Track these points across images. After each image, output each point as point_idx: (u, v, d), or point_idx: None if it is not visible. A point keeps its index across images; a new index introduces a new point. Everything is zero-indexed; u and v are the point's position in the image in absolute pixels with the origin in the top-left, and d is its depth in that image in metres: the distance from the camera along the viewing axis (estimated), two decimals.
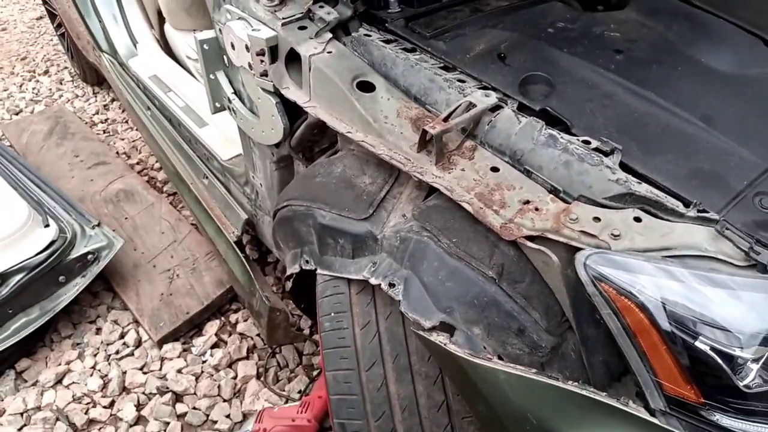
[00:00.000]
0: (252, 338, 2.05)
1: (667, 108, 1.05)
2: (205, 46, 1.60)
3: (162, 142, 2.44)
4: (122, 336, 2.08)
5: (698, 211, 0.91)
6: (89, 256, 2.06)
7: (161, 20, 2.83)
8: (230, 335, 2.07)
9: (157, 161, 2.91)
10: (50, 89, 3.69)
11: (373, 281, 1.07)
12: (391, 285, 1.04)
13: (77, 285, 2.03)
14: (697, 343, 0.82)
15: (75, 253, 2.03)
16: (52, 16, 3.66)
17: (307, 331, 2.06)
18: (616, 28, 1.24)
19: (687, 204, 0.92)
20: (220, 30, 1.52)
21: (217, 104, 1.70)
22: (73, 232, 2.07)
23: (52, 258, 1.95)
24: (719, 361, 0.82)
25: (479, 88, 1.15)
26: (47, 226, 2.04)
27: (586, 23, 1.27)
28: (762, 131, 1.02)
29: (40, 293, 1.96)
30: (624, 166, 0.98)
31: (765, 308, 0.82)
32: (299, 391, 1.88)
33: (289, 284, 1.38)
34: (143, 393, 1.90)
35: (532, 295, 0.97)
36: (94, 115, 3.42)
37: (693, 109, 1.05)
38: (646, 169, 0.97)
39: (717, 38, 1.19)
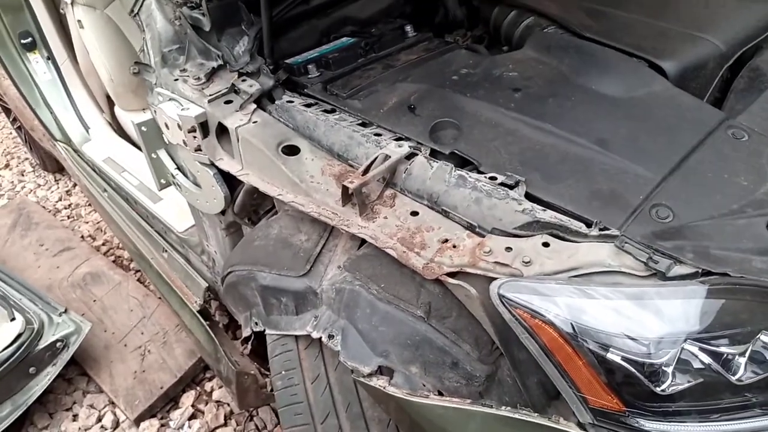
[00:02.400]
0: (228, 404, 2.07)
1: (564, 137, 1.13)
2: (143, 128, 1.66)
3: (121, 222, 2.48)
4: (99, 419, 2.08)
5: (600, 229, 0.97)
6: (58, 344, 2.07)
7: (111, 103, 2.91)
8: (206, 404, 2.08)
9: (119, 241, 2.94)
10: (12, 182, 3.73)
11: (314, 335, 1.12)
12: (330, 336, 1.08)
13: (48, 374, 2.04)
14: (609, 355, 0.88)
15: (43, 343, 2.04)
16: (7, 111, 3.72)
17: None
18: (514, 68, 1.33)
19: (589, 224, 0.98)
20: (155, 111, 1.59)
21: (162, 181, 1.76)
22: (41, 322, 2.09)
23: (20, 351, 1.96)
24: (632, 369, 0.87)
25: (395, 140, 1.22)
26: (13, 319, 2.05)
27: (487, 67, 1.36)
28: (653, 147, 1.10)
29: (11, 388, 1.97)
30: (529, 196, 1.05)
31: (668, 313, 0.88)
32: None
33: (248, 347, 1.42)
34: None
35: (461, 328, 1.02)
36: (57, 202, 3.46)
37: (588, 134, 1.13)
38: (550, 196, 1.04)
39: (605, 66, 1.28)
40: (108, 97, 2.88)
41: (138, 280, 2.62)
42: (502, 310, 0.93)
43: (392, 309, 1.04)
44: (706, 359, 0.87)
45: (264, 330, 1.27)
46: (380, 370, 1.03)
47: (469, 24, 1.72)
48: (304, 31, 1.64)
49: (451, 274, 1.00)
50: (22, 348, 1.96)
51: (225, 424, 2.01)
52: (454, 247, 1.03)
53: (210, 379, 2.17)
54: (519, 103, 1.23)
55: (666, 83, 1.23)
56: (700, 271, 0.89)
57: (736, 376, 0.87)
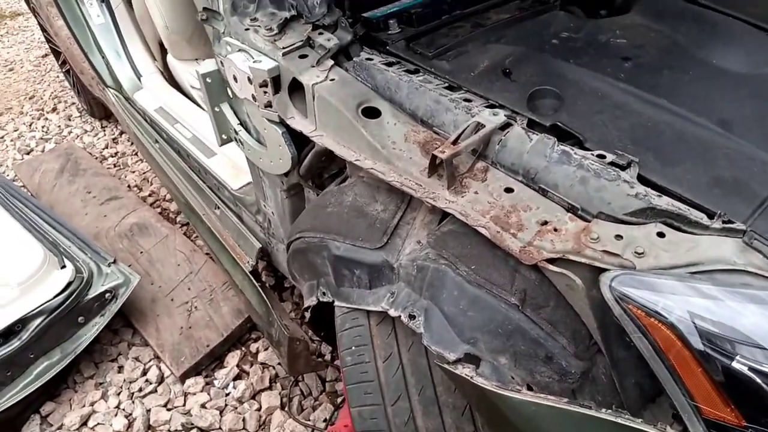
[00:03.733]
0: (274, 367, 2.04)
1: (681, 115, 1.02)
2: (208, 80, 1.59)
3: (172, 174, 2.44)
4: (144, 373, 2.07)
5: (723, 222, 0.87)
6: (107, 295, 2.05)
7: (164, 52, 2.85)
8: (252, 365, 2.06)
9: (168, 193, 2.91)
10: (59, 126, 3.73)
11: (392, 313, 1.05)
12: (412, 317, 1.01)
13: (96, 325, 2.03)
14: (734, 364, 0.79)
15: (92, 293, 2.03)
16: (56, 53, 3.70)
17: (328, 357, 2.03)
18: (622, 34, 1.21)
19: (711, 215, 0.89)
20: (221, 62, 1.51)
21: (224, 136, 1.69)
22: (90, 272, 2.07)
23: (70, 300, 1.94)
24: (759, 381, 0.78)
25: (486, 107, 1.13)
26: (63, 267, 2.04)
27: (590, 31, 1.24)
28: None
29: (61, 336, 1.96)
30: (642, 179, 0.95)
31: None
32: (324, 420, 1.86)
33: (307, 315, 1.36)
34: (168, 430, 1.88)
35: (557, 320, 0.94)
36: (103, 149, 3.44)
37: (709, 114, 1.01)
38: (666, 181, 0.94)
39: (727, 38, 1.16)
40: (161, 45, 2.81)
41: (185, 234, 2.60)
42: (613, 305, 0.84)
43: (483, 293, 0.96)
44: None
45: (332, 301, 1.20)
46: (466, 358, 0.96)
47: None
48: None
49: (552, 261, 0.91)
50: (72, 297, 1.95)
51: (270, 388, 1.98)
52: (556, 230, 0.94)
53: (256, 341, 2.14)
54: (629, 73, 1.11)
55: None
56: None
57: None
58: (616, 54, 1.16)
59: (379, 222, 1.15)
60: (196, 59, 2.70)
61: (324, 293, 1.22)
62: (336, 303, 1.19)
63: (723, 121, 1.00)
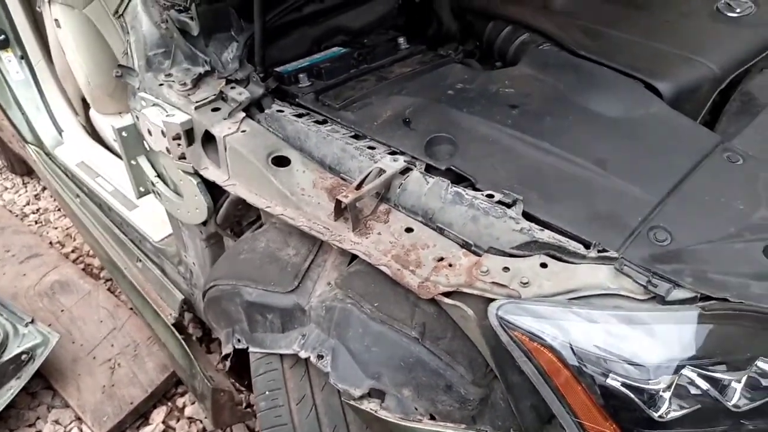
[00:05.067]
0: (201, 421, 2.00)
1: (562, 156, 1.12)
2: (124, 134, 1.61)
3: (93, 229, 2.40)
4: None
5: (598, 251, 0.95)
6: (23, 356, 1.98)
7: (86, 106, 2.83)
8: (178, 421, 2.01)
9: (90, 249, 2.85)
10: None
11: (302, 354, 1.08)
12: (320, 357, 1.05)
13: (12, 388, 1.94)
14: (609, 380, 0.86)
15: (7, 355, 1.95)
16: None
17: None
18: (511, 84, 1.32)
19: (588, 246, 0.97)
20: (137, 117, 1.54)
21: (141, 188, 1.70)
22: (5, 333, 2.00)
23: None
24: (631, 395, 0.85)
25: (389, 154, 1.20)
26: None
27: (482, 82, 1.35)
28: (650, 169, 1.09)
29: None
30: (527, 215, 1.03)
31: (668, 338, 0.87)
32: None
33: (227, 364, 1.37)
34: None
35: (455, 350, 0.99)
36: (24, 206, 3.34)
37: (586, 154, 1.12)
38: (548, 216, 1.02)
39: (603, 85, 1.28)
40: (83, 100, 2.80)
41: (109, 289, 2.54)
42: (500, 333, 0.90)
43: (386, 329, 1.00)
44: (704, 385, 0.85)
45: (247, 348, 1.22)
46: (371, 393, 1.00)
47: (462, 38, 1.70)
48: (296, 40, 1.61)
49: (447, 294, 0.97)
50: None
51: None
52: (450, 265, 1.00)
53: (182, 395, 2.10)
54: (516, 119, 1.21)
55: (662, 104, 1.23)
56: (698, 295, 0.88)
57: (733, 402, 0.85)
58: (504, 102, 1.27)
59: (290, 266, 1.19)
60: (120, 113, 2.70)
61: (239, 340, 1.23)
62: (250, 349, 1.20)
63: (599, 161, 1.10)
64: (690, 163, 1.09)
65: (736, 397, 0.86)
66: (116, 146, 2.61)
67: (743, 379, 0.85)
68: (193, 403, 2.05)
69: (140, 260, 2.12)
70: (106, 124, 2.68)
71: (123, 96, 2.64)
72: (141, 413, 2.03)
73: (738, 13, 1.46)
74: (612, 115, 1.21)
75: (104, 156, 2.61)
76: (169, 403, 2.07)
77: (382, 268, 1.03)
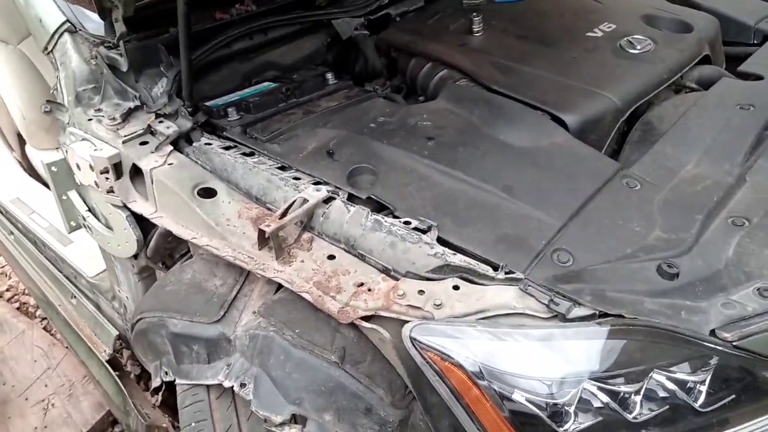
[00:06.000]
0: None
1: (473, 183, 1.18)
2: (54, 168, 1.60)
3: (27, 266, 2.35)
4: None
5: (506, 273, 1.00)
6: None
7: (21, 141, 2.79)
8: None
9: (25, 287, 2.77)
10: None
11: (226, 384, 1.09)
12: (242, 385, 1.06)
13: None
14: (514, 396, 0.90)
15: None
16: None
17: None
18: (428, 117, 1.38)
19: (495, 268, 1.02)
20: (66, 151, 1.54)
21: (72, 223, 1.69)
22: None
23: None
24: (535, 409, 0.90)
25: (313, 184, 1.23)
26: None
27: (402, 115, 1.41)
28: (554, 195, 1.16)
29: None
30: (441, 240, 1.07)
31: (568, 354, 0.92)
32: None
33: (158, 398, 1.37)
34: None
35: (374, 373, 1.03)
36: None
37: (495, 181, 1.18)
38: (460, 240, 1.07)
39: (511, 118, 1.35)
40: (19, 135, 2.76)
41: (44, 328, 2.48)
42: (413, 353, 0.94)
43: (306, 355, 1.03)
44: (605, 398, 0.90)
45: (174, 380, 1.22)
46: (294, 419, 1.01)
47: (388, 74, 1.77)
48: (226, 75, 1.64)
49: (366, 318, 1.01)
50: None
51: None
52: (370, 290, 1.04)
53: None
54: (432, 150, 1.27)
55: (567, 135, 1.31)
56: (597, 312, 0.94)
57: (633, 414, 0.91)
58: (422, 134, 1.33)
59: (216, 296, 1.21)
60: (56, 148, 2.67)
61: (166, 372, 1.24)
62: (177, 381, 1.21)
63: (507, 187, 1.17)
64: (591, 188, 1.16)
65: (636, 408, 0.91)
66: None
67: (641, 391, 0.91)
68: None
69: (75, 296, 2.08)
70: (39, 161, 2.65)
71: (59, 131, 2.64)
72: None
73: (638, 50, 1.57)
74: (520, 145, 1.29)
75: (40, 191, 2.56)
76: None
77: (304, 294, 1.06)
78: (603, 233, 1.08)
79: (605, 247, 1.05)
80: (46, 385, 2.16)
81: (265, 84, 1.64)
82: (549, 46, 1.61)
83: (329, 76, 1.63)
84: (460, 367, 0.92)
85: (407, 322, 0.98)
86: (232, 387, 1.09)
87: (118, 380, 1.78)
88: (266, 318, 1.10)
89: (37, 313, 2.65)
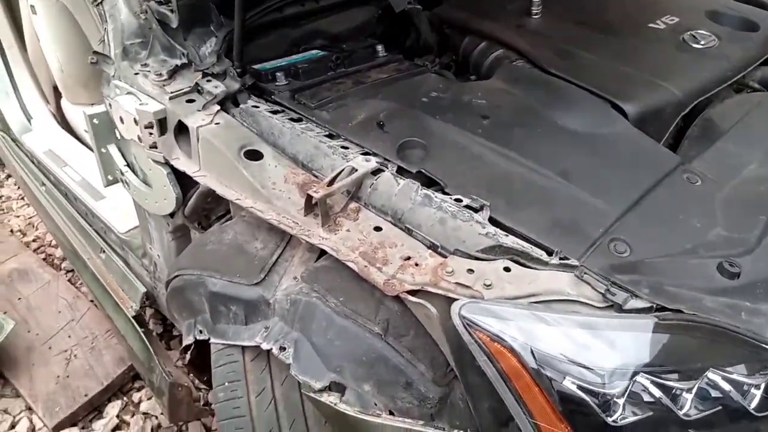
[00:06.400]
0: (157, 417, 1.97)
1: (529, 166, 1.15)
2: (95, 121, 1.59)
3: (57, 218, 2.36)
4: (13, 426, 1.94)
5: (560, 258, 0.98)
6: None
7: (57, 95, 2.79)
8: (133, 415, 1.98)
9: (53, 238, 2.79)
10: None
11: (264, 346, 1.08)
12: (282, 348, 1.05)
13: None
14: (565, 383, 0.88)
15: None
16: None
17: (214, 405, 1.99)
18: (483, 96, 1.35)
19: (550, 253, 0.99)
20: (109, 104, 1.53)
21: (110, 177, 1.69)
22: None
23: None
24: (586, 398, 0.87)
25: (361, 154, 1.21)
26: None
27: (456, 92, 1.38)
28: (613, 183, 1.13)
29: None
30: (493, 221, 1.05)
31: (623, 345, 0.89)
32: None
33: (187, 356, 1.36)
34: None
35: (417, 348, 1.01)
36: None
37: (552, 165, 1.15)
38: (513, 222, 1.04)
39: (571, 102, 1.32)
40: (55, 89, 2.76)
41: (69, 280, 2.49)
42: (462, 332, 0.92)
43: (349, 324, 1.01)
44: (657, 393, 0.88)
45: (208, 339, 1.21)
46: (332, 386, 1.00)
47: (439, 50, 1.74)
48: (275, 40, 1.62)
49: (412, 292, 0.99)
50: None
51: None
52: (416, 265, 1.02)
53: (139, 390, 2.07)
54: (486, 129, 1.24)
55: (627, 124, 1.27)
56: (654, 305, 0.91)
57: (683, 411, 0.88)
58: (476, 112, 1.30)
59: (257, 259, 1.19)
60: (92, 104, 2.67)
61: (201, 331, 1.23)
62: (212, 340, 1.20)
63: (563, 172, 1.14)
64: (651, 180, 1.13)
65: (687, 406, 0.88)
66: (86, 136, 2.58)
67: (694, 389, 0.88)
68: (149, 399, 2.02)
69: (104, 251, 2.09)
70: (77, 114, 2.65)
71: (96, 86, 2.60)
72: (95, 406, 1.99)
73: (702, 45, 1.52)
74: (578, 130, 1.25)
75: (73, 145, 2.57)
76: (125, 398, 2.04)
77: (349, 263, 1.04)
78: (662, 226, 1.05)
79: (664, 241, 1.02)
80: (69, 336, 2.17)
81: (314, 51, 1.62)
82: (610, 35, 1.56)
83: (379, 48, 1.60)
84: (512, 350, 0.89)
85: (454, 299, 0.96)
86: (269, 350, 1.08)
87: (144, 336, 1.78)
88: (309, 284, 1.08)
89: (63, 265, 2.67)
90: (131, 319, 1.85)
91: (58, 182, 2.38)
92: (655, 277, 0.96)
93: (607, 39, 1.55)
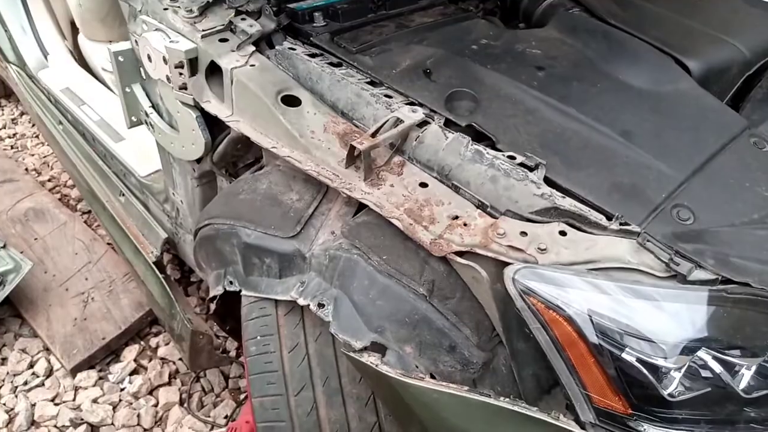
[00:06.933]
0: (174, 363, 1.96)
1: (587, 123, 1.08)
2: (120, 58, 1.52)
3: (75, 158, 2.31)
4: (31, 366, 1.93)
5: (620, 224, 0.92)
6: None
7: (75, 30, 2.69)
8: (150, 360, 1.97)
9: (69, 178, 2.75)
10: None
11: (301, 302, 1.04)
12: (321, 305, 1.00)
13: None
14: (624, 355, 0.84)
15: None
16: None
17: (233, 353, 1.98)
18: (538, 45, 1.26)
19: (609, 217, 0.94)
20: (136, 41, 1.45)
21: (134, 118, 1.62)
22: None
23: None
24: (645, 371, 0.83)
25: (406, 104, 1.14)
26: None
27: (508, 40, 1.29)
28: (677, 146, 1.06)
29: None
30: (548, 181, 0.99)
31: (686, 318, 0.85)
32: (225, 417, 1.80)
33: (212, 306, 1.33)
34: (55, 426, 1.76)
35: (462, 311, 0.96)
36: (0, 129, 3.20)
37: (612, 124, 1.08)
38: (570, 184, 0.98)
39: (633, 56, 1.23)
40: (72, 24, 2.66)
41: (85, 222, 2.46)
42: (515, 297, 0.87)
43: (393, 283, 0.96)
44: (718, 368, 0.84)
45: (239, 290, 1.17)
46: (372, 347, 0.96)
47: None
48: None
49: (460, 254, 0.94)
50: None
51: (169, 383, 1.90)
52: (465, 225, 0.96)
53: (156, 335, 2.05)
54: (542, 82, 1.16)
55: (692, 82, 1.19)
56: (720, 277, 0.86)
57: (741, 387, 0.84)
58: (530, 63, 1.21)
59: (293, 211, 1.14)
60: (110, 41, 2.58)
61: (231, 282, 1.19)
62: (243, 292, 1.16)
63: (624, 132, 1.07)
64: (717, 144, 1.06)
65: (744, 382, 0.84)
66: (104, 75, 2.51)
67: (754, 367, 0.84)
68: (167, 344, 2.00)
69: (123, 194, 2.04)
70: (95, 51, 2.56)
71: (115, 23, 2.54)
72: (112, 349, 1.98)
73: None
74: (641, 86, 1.18)
75: (91, 84, 2.50)
76: (142, 342, 2.03)
77: (394, 221, 0.98)
78: (728, 193, 0.99)
79: (730, 209, 0.97)
80: (86, 279, 2.15)
81: None
82: None
83: None
84: (569, 319, 0.85)
85: (505, 263, 0.91)
86: (304, 306, 1.04)
87: (164, 283, 1.75)
88: (350, 240, 1.03)
89: (78, 206, 2.63)
90: (151, 264, 1.82)
91: (76, 121, 2.32)
92: (720, 248, 0.91)
93: None
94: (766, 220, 0.95)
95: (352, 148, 1.04)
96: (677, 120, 1.11)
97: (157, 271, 1.79)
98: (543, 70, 1.19)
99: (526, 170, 0.99)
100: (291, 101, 1.19)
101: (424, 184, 1.04)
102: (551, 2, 1.46)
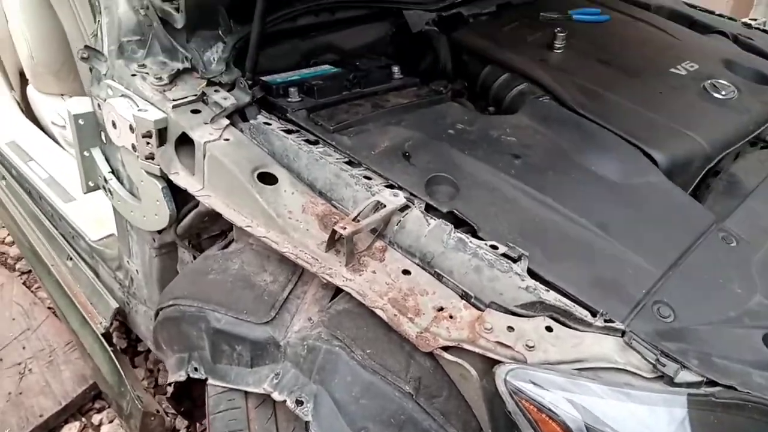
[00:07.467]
0: None
1: (565, 214, 1.09)
2: (81, 121, 1.46)
3: (17, 215, 2.18)
4: None
5: (605, 320, 0.92)
6: None
7: (23, 81, 2.60)
8: None
9: (8, 234, 2.59)
10: None
11: (276, 396, 0.98)
12: (299, 402, 0.95)
13: None
14: None
15: None
16: None
17: None
18: (512, 133, 1.28)
19: (593, 313, 0.94)
20: (99, 105, 1.40)
21: (91, 183, 1.55)
22: None
23: None
24: None
25: (386, 186, 1.13)
26: None
27: (483, 126, 1.31)
28: (652, 239, 1.08)
29: None
30: (530, 272, 0.98)
31: (680, 423, 0.84)
32: None
33: (170, 390, 1.25)
34: None
35: (449, 411, 0.93)
36: None
37: (589, 215, 1.09)
38: (552, 276, 0.98)
39: (603, 148, 1.27)
40: (21, 74, 2.57)
41: (24, 284, 2.31)
42: (506, 399, 0.85)
43: (377, 380, 0.93)
44: None
45: (205, 379, 1.10)
46: None
47: (452, 76, 1.67)
48: (285, 50, 1.53)
49: (446, 349, 0.91)
50: None
51: None
52: (451, 317, 0.94)
53: (99, 411, 1.91)
54: (519, 170, 1.18)
55: (660, 175, 1.23)
56: (705, 379, 0.86)
57: None
58: (506, 151, 1.23)
59: (267, 294, 1.09)
60: (61, 94, 2.49)
61: (196, 369, 1.12)
62: (210, 381, 1.09)
63: (601, 224, 1.08)
64: (688, 239, 1.09)
65: None
66: (55, 130, 2.41)
67: None
68: (111, 421, 1.87)
69: (71, 258, 1.93)
70: (45, 104, 2.47)
71: (69, 77, 2.46)
72: (50, 428, 1.82)
73: (723, 95, 1.51)
74: (612, 178, 1.20)
75: (40, 138, 2.39)
76: (84, 419, 1.88)
77: (377, 311, 0.95)
78: (704, 291, 1.01)
79: (707, 307, 0.98)
80: (23, 348, 2.00)
81: (326, 67, 1.53)
82: (633, 77, 1.53)
83: (395, 69, 1.52)
84: (561, 422, 0.83)
85: (492, 360, 0.89)
86: (282, 401, 0.98)
87: (113, 357, 1.64)
88: (330, 329, 0.99)
89: (17, 266, 2.47)
90: (100, 336, 1.70)
91: (22, 178, 2.20)
92: (702, 347, 0.91)
93: (631, 81, 1.52)
94: (742, 318, 0.97)
95: (334, 232, 1.01)
96: (649, 213, 1.14)
97: (106, 345, 1.68)
98: (519, 158, 1.21)
99: (509, 261, 0.99)
100: (267, 179, 1.15)
101: (407, 272, 1.01)
102: (521, 89, 1.50)
